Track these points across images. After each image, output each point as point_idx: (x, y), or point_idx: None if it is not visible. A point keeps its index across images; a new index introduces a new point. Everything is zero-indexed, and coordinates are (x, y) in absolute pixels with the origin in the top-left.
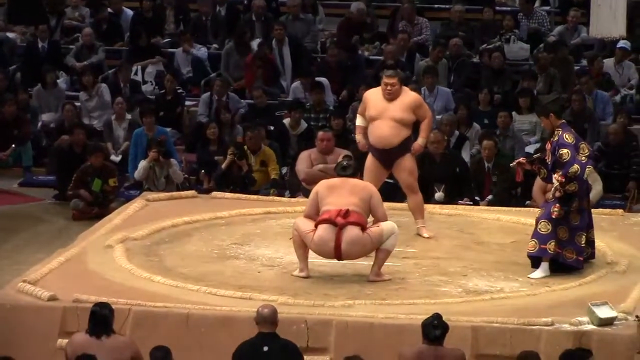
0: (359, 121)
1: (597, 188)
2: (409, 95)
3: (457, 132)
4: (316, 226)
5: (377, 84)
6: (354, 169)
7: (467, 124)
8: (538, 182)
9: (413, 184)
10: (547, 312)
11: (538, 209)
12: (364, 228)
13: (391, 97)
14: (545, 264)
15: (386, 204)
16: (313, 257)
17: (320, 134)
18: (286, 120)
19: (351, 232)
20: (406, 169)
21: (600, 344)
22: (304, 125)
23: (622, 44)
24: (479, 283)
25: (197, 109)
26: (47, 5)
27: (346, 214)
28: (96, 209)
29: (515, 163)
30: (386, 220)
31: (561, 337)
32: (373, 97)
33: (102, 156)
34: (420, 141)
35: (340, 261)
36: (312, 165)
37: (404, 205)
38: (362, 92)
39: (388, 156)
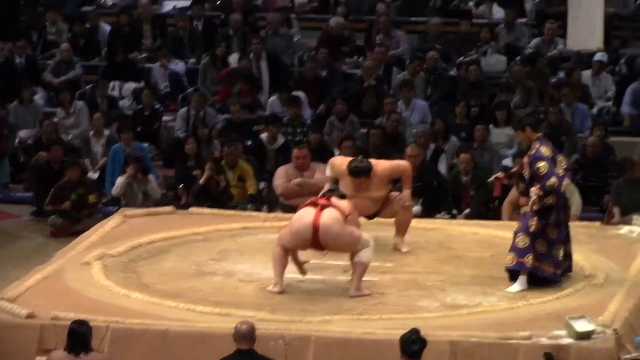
0: (328, 172)
1: (576, 200)
2: (379, 173)
3: (432, 145)
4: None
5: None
6: (340, 193)
7: (444, 137)
8: (509, 197)
9: (409, 205)
10: (525, 326)
11: (516, 223)
12: (344, 218)
13: (362, 187)
14: (523, 278)
15: (362, 220)
16: (292, 273)
17: (295, 151)
18: (263, 135)
19: (332, 212)
20: (395, 205)
21: (578, 357)
22: (281, 140)
23: (599, 56)
24: (457, 297)
25: (174, 124)
26: (28, 21)
27: (328, 199)
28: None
29: (493, 178)
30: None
31: (539, 351)
32: (341, 172)
33: (79, 170)
34: (406, 193)
35: (316, 250)
36: (289, 180)
37: (382, 220)
38: (339, 106)
39: (372, 215)
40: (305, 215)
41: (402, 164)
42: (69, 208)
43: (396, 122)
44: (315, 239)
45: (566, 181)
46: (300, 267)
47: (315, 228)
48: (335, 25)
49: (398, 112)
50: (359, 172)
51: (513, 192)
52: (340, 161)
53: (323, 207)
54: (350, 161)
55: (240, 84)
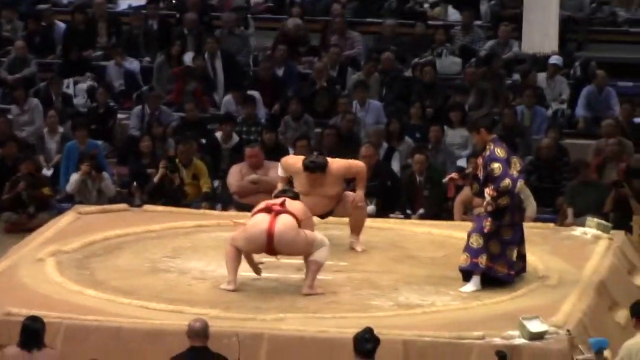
0: (280, 172)
1: (531, 203)
2: (334, 171)
3: (385, 145)
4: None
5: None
6: (294, 194)
7: (398, 138)
8: (461, 196)
9: (362, 206)
10: (478, 326)
11: (469, 223)
12: (298, 223)
13: (317, 184)
14: (477, 278)
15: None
16: (245, 271)
17: (247, 150)
18: (218, 134)
19: (286, 218)
20: (349, 203)
21: (531, 358)
22: (235, 138)
23: (554, 59)
24: (410, 297)
25: (129, 122)
26: None
27: (283, 204)
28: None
29: (447, 179)
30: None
31: (492, 351)
32: (294, 171)
33: (32, 165)
34: (359, 193)
35: (271, 255)
36: (242, 179)
37: (335, 219)
38: (293, 106)
39: (325, 214)
40: (260, 222)
41: (357, 163)
42: (23, 188)
43: (351, 123)
44: (270, 246)
45: (520, 182)
46: (255, 267)
47: (270, 235)
48: (292, 26)
49: (352, 113)
50: (315, 167)
51: (465, 191)
52: (294, 160)
53: (277, 213)
54: (306, 157)
55: (194, 83)
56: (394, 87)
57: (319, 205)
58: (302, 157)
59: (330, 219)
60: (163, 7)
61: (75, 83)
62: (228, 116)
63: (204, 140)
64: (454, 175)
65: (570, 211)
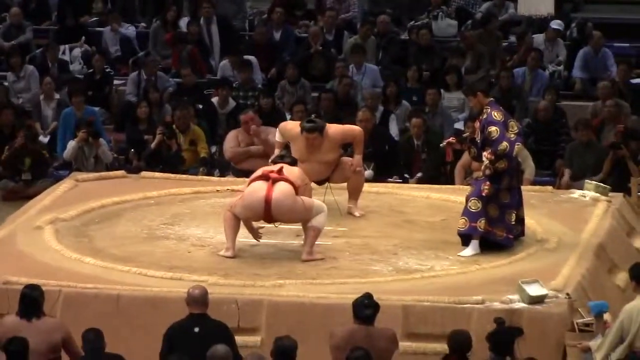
0: (278, 137)
1: (530, 165)
2: (331, 136)
3: (381, 108)
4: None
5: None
6: (292, 159)
7: (395, 102)
8: (462, 160)
9: (360, 170)
10: (477, 290)
11: (468, 187)
12: (296, 190)
13: (314, 148)
14: (476, 242)
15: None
16: (244, 237)
17: (242, 117)
18: (214, 99)
19: (283, 186)
20: (346, 169)
21: (530, 321)
22: (232, 103)
23: (555, 24)
24: (409, 262)
25: (125, 88)
26: None
27: (280, 171)
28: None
29: (445, 143)
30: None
31: (492, 316)
32: (292, 136)
33: (23, 136)
34: (357, 158)
35: (268, 223)
36: (239, 145)
37: (334, 185)
38: (290, 71)
39: (323, 180)
40: (258, 189)
41: (354, 128)
42: (22, 141)
43: (347, 87)
44: (268, 213)
45: (518, 145)
46: (255, 232)
47: (267, 203)
48: None
49: (349, 77)
50: (313, 129)
51: (466, 156)
52: (292, 125)
53: (275, 180)
54: (303, 120)
55: (189, 47)
56: (390, 51)
57: (316, 171)
58: (298, 123)
59: (328, 184)
60: None
61: (71, 49)
62: (224, 81)
63: (200, 106)
64: (451, 139)
65: (567, 172)
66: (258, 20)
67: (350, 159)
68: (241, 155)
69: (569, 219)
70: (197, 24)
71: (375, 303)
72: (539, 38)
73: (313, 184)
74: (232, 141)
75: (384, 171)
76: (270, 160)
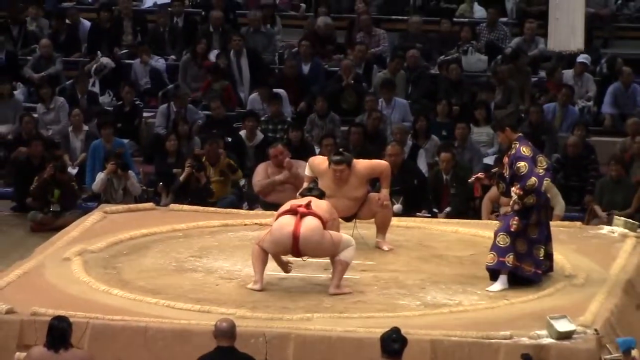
0: (307, 171)
1: (560, 202)
2: (358, 171)
3: (410, 142)
4: (276, 218)
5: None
6: (320, 192)
7: (425, 136)
8: (489, 194)
9: (387, 204)
10: (505, 326)
11: (496, 222)
12: (324, 224)
13: (342, 181)
14: (504, 277)
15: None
16: (272, 270)
17: (271, 150)
18: (243, 132)
19: (311, 221)
20: (373, 204)
21: (558, 357)
22: (260, 136)
23: (582, 58)
24: (437, 296)
25: (154, 120)
26: (9, 16)
27: (308, 205)
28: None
29: (473, 178)
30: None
31: (520, 351)
32: (320, 172)
33: (52, 167)
34: (384, 192)
35: (297, 257)
36: (268, 178)
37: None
38: (319, 104)
39: (350, 217)
40: (285, 224)
41: (381, 163)
42: (52, 172)
43: (377, 121)
44: (295, 248)
45: (547, 181)
46: (284, 265)
47: (295, 238)
48: (323, 25)
49: (379, 111)
50: (341, 161)
51: (493, 189)
52: (320, 160)
53: (302, 215)
54: (332, 154)
55: (224, 82)
56: (419, 85)
57: (344, 207)
58: (327, 159)
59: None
60: (188, 4)
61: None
62: (250, 113)
63: (229, 139)
64: (480, 174)
65: (598, 209)
66: (288, 53)
67: (378, 194)
68: (267, 188)
69: (597, 255)
70: (226, 56)
71: (403, 337)
72: (568, 74)
73: (340, 220)
74: (260, 174)
75: (412, 206)
76: (298, 193)
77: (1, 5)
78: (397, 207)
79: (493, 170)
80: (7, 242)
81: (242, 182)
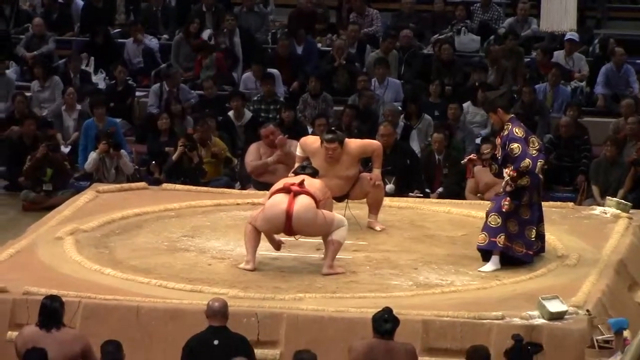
0: (299, 151)
1: None
2: (350, 150)
3: (402, 123)
4: (269, 197)
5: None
6: (313, 170)
7: (417, 116)
8: (468, 187)
9: (379, 184)
10: (497, 306)
11: (488, 202)
12: (317, 203)
13: (333, 160)
14: (496, 257)
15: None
16: (265, 250)
17: (262, 131)
18: (231, 112)
19: (305, 199)
20: (365, 184)
21: (550, 338)
22: (248, 115)
23: (570, 35)
24: (429, 276)
25: (147, 100)
26: None
27: (301, 184)
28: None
29: (466, 160)
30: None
31: (511, 331)
32: (312, 151)
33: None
34: (376, 172)
35: (289, 236)
36: (260, 158)
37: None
38: (312, 84)
39: (342, 197)
40: (279, 202)
41: (373, 142)
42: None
43: (369, 99)
44: (288, 226)
45: (540, 162)
46: (275, 242)
47: (289, 216)
48: (305, 1)
49: (371, 90)
50: (334, 139)
51: (470, 183)
52: (312, 139)
53: (296, 193)
54: (324, 133)
55: (214, 55)
56: (412, 65)
57: (335, 188)
58: (319, 138)
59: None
60: None
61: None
62: (235, 92)
63: (221, 118)
64: (472, 156)
65: (596, 189)
66: (281, 33)
67: (369, 174)
68: (259, 168)
69: (589, 236)
70: (223, 34)
71: (395, 317)
72: (560, 54)
73: (332, 201)
74: (253, 154)
75: (405, 186)
76: (291, 172)
77: None
78: (390, 187)
79: (485, 151)
80: (0, 221)
81: (235, 162)
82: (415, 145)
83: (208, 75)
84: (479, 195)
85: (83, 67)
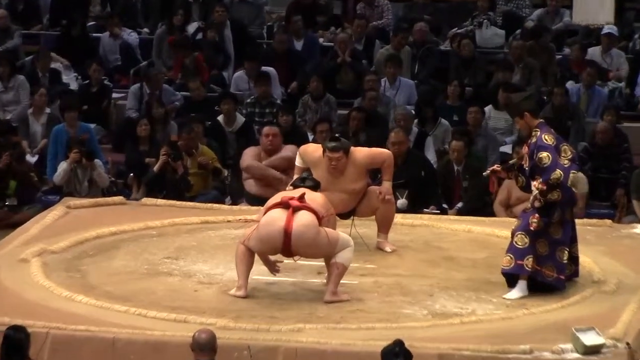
0: (298, 161)
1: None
2: (357, 160)
3: (415, 129)
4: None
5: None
6: (315, 182)
7: (433, 121)
8: (498, 198)
9: (390, 199)
10: (525, 338)
11: (515, 220)
12: (319, 220)
13: (337, 171)
14: (523, 283)
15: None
16: (258, 274)
17: (265, 128)
18: (221, 117)
19: (305, 215)
20: (373, 199)
21: None
22: (240, 119)
23: (607, 29)
24: (447, 304)
25: (125, 102)
26: None
27: (301, 198)
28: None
29: (488, 171)
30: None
31: None
32: (313, 161)
33: (8, 159)
34: (386, 185)
35: (287, 258)
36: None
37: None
38: (313, 84)
39: (347, 213)
40: (276, 219)
41: (383, 151)
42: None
43: (374, 101)
44: (287, 247)
45: (573, 174)
46: (271, 265)
47: (287, 235)
48: None
49: (376, 91)
50: (337, 148)
51: (501, 194)
52: (313, 148)
53: (295, 209)
54: (326, 140)
55: (194, 54)
56: (427, 63)
57: (340, 202)
58: (321, 145)
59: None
60: None
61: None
62: (225, 93)
63: (209, 123)
64: (496, 167)
65: (637, 205)
66: (278, 26)
67: (378, 187)
68: (258, 172)
69: (630, 258)
70: (214, 29)
71: (407, 351)
72: (596, 50)
73: (337, 218)
74: (251, 156)
75: (419, 201)
76: (290, 184)
77: None
78: (402, 202)
79: (511, 161)
80: None
81: (225, 173)
82: (431, 155)
83: (189, 73)
84: (510, 209)
85: (52, 65)
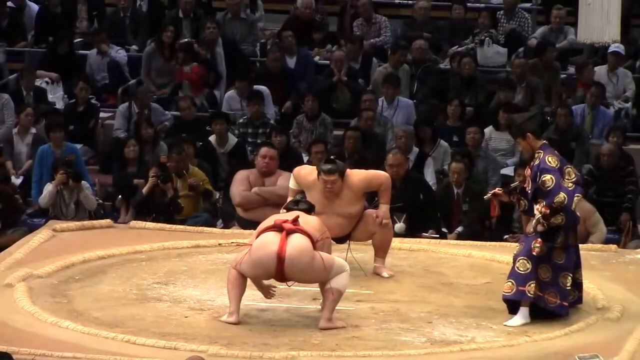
0: (292, 184)
1: (601, 229)
2: (353, 184)
3: (416, 149)
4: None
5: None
6: (308, 205)
7: (432, 142)
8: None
9: (387, 223)
10: None
11: (516, 244)
12: (314, 244)
13: (333, 194)
14: (525, 310)
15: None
16: (250, 300)
17: (262, 149)
18: (212, 137)
19: (299, 239)
20: (370, 223)
21: None
22: (233, 140)
23: (614, 47)
24: (446, 331)
25: (113, 122)
26: None
27: (295, 221)
28: None
29: (490, 195)
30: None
31: None
32: (308, 184)
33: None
34: (383, 208)
35: (280, 283)
36: (250, 188)
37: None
38: (308, 103)
39: (343, 238)
40: (268, 243)
41: (380, 174)
42: None
43: (371, 122)
44: (280, 272)
45: (577, 197)
46: (265, 290)
47: (280, 259)
48: (302, 5)
49: (373, 111)
50: (333, 170)
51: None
52: (308, 170)
53: (289, 232)
54: (321, 163)
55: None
56: (427, 82)
57: (336, 226)
58: (316, 167)
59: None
60: None
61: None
62: (217, 113)
63: (200, 144)
64: (497, 190)
65: None
66: (271, 44)
67: (375, 210)
68: (253, 203)
69: (635, 284)
70: (205, 46)
71: None
72: (601, 70)
73: (332, 242)
74: (242, 183)
75: (418, 224)
76: (283, 207)
77: None
78: (399, 226)
79: (513, 184)
80: None
81: (216, 195)
82: (430, 177)
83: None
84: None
85: (39, 82)
